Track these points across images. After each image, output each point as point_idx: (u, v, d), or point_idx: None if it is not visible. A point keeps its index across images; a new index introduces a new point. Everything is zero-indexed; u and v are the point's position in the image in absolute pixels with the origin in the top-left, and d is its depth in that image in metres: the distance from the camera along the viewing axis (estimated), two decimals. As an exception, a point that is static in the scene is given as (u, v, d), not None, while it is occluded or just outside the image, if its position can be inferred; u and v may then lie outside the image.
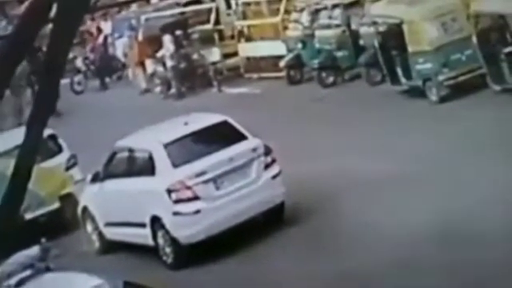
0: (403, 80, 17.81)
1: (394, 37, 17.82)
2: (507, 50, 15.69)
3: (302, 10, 22.05)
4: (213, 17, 24.87)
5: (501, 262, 10.09)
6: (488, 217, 11.30)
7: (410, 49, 17.38)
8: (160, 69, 24.36)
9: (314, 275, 11.20)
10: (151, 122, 14.51)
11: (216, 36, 24.81)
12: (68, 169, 15.95)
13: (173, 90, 24.16)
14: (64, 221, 15.32)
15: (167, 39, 23.73)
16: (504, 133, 14.07)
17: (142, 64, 25.51)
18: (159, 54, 24.26)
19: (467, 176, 12.85)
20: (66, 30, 8.33)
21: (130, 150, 13.51)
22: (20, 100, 23.68)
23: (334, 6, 20.81)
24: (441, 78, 16.92)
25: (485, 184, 12.35)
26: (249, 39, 24.31)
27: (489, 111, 15.34)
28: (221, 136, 13.05)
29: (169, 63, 23.82)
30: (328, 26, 20.91)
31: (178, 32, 24.18)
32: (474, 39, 16.19)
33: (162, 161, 12.81)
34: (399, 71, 17.81)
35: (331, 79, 20.57)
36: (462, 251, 10.64)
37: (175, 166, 12.71)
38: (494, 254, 10.29)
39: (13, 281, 9.73)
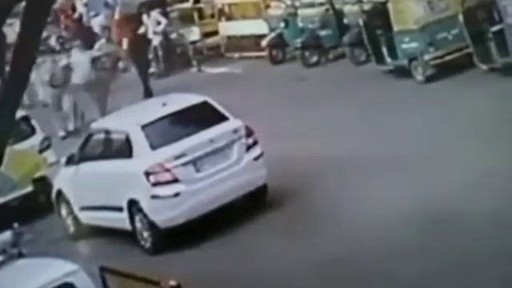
0: (388, 59, 17.53)
1: (378, 15, 17.55)
2: (494, 28, 15.34)
3: (284, -12, 21.66)
4: (192, -5, 24.51)
5: (479, 248, 9.86)
6: (473, 201, 11.03)
7: (396, 28, 17.10)
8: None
9: (295, 260, 10.93)
10: (128, 103, 14.16)
11: (195, 15, 24.41)
12: (41, 151, 15.61)
13: (152, 70, 23.69)
14: (37, 205, 15.00)
15: (155, 14, 23.21)
16: (491, 113, 13.81)
17: (119, 43, 25.00)
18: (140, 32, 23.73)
19: (453, 157, 12.59)
20: (39, 8, 7.89)
21: (107, 132, 13.23)
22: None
23: (317, -16, 20.49)
24: (427, 57, 16.61)
25: (471, 166, 12.08)
26: (230, 18, 23.90)
27: (476, 91, 15.08)
28: (201, 117, 12.76)
29: (154, 41, 23.28)
30: (311, 5, 20.62)
31: (157, 10, 23.67)
32: (461, 18, 15.88)
33: (139, 143, 12.49)
34: (384, 50, 17.53)
35: (314, 59, 20.23)
36: (445, 236, 10.38)
37: (153, 147, 12.42)
38: (475, 239, 10.05)
39: (-16, 266, 9.38)
